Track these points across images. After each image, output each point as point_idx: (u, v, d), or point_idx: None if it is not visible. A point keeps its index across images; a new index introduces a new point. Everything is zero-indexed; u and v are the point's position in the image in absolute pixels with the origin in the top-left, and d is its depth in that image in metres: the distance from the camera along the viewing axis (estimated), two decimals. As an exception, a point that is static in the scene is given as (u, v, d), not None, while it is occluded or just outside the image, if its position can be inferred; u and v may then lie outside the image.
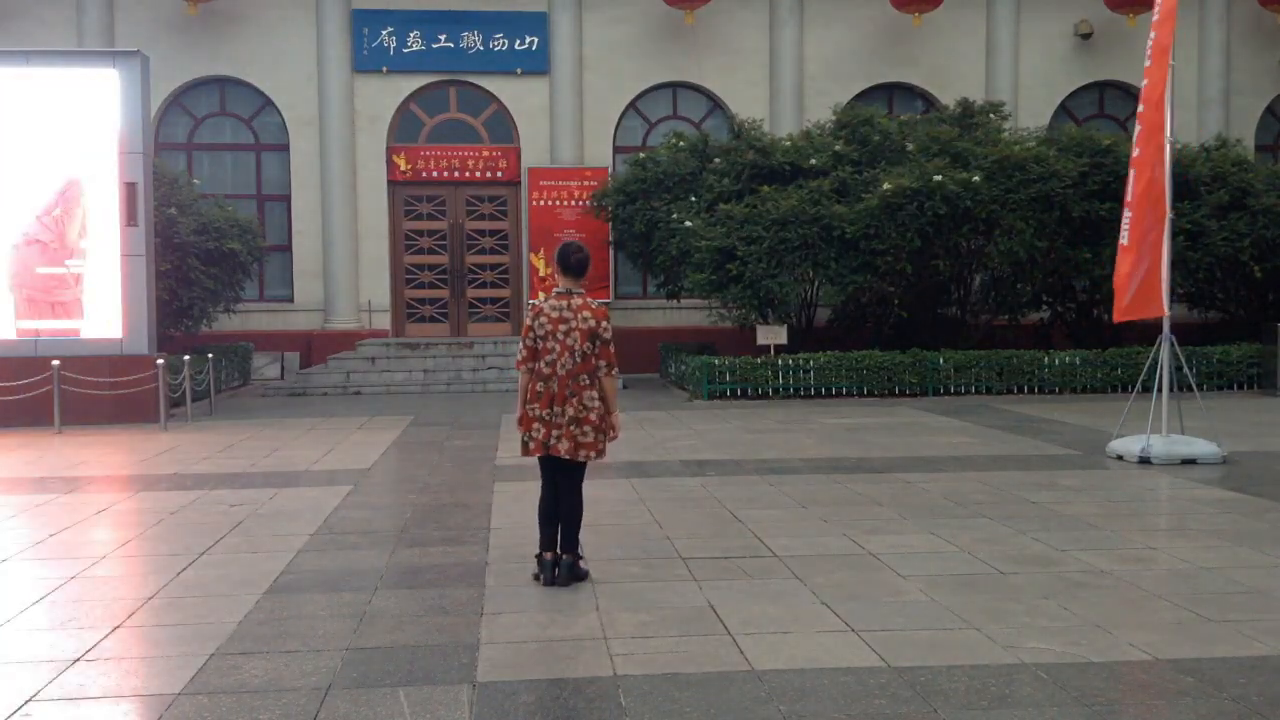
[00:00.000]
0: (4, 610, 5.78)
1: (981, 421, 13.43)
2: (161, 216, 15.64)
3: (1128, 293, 10.35)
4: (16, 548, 7.21)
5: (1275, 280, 17.50)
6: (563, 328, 6.02)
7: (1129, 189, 10.38)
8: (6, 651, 5.13)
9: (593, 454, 6.13)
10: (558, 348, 6.02)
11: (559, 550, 6.17)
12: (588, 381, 6.05)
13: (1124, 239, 10.37)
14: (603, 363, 6.09)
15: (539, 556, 6.22)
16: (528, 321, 6.12)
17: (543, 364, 6.05)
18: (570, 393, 6.01)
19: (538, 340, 6.06)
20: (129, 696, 4.58)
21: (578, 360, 6.02)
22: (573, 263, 6.13)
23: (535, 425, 6.07)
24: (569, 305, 6.06)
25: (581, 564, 6.27)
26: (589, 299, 6.15)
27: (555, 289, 6.18)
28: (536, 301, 6.16)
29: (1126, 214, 10.38)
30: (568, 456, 6.06)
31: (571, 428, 6.02)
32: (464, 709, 4.36)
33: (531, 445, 6.10)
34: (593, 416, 6.05)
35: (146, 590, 6.15)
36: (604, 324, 6.09)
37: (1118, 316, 10.68)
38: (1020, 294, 17.23)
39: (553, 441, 6.04)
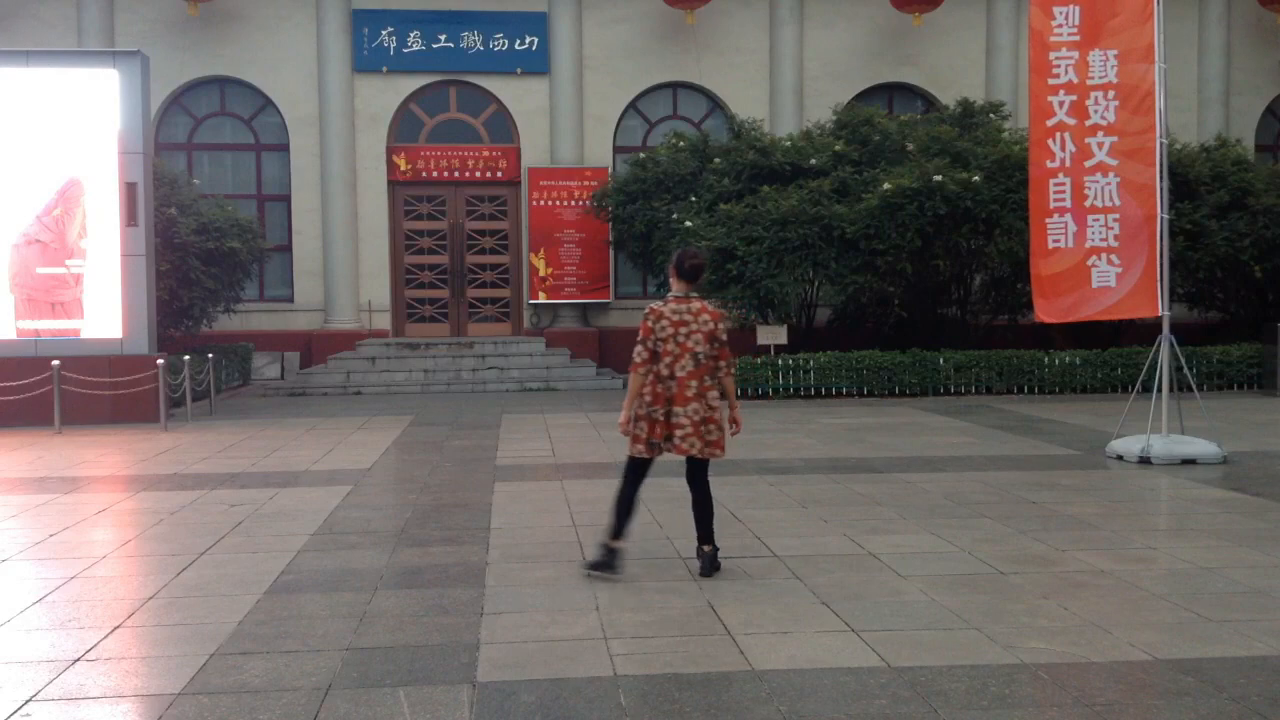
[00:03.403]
0: (4, 610, 5.78)
1: (982, 421, 13.43)
2: (161, 216, 15.64)
3: (1055, 294, 10.65)
4: (16, 548, 7.21)
5: (1275, 280, 17.49)
6: (683, 330, 6.18)
7: (1049, 197, 10.59)
8: (6, 651, 5.13)
9: (719, 451, 6.29)
10: (677, 350, 6.17)
11: (701, 543, 6.34)
12: (710, 382, 6.21)
13: (1056, 241, 10.58)
14: (722, 363, 6.26)
15: (606, 545, 6.30)
16: (648, 324, 6.21)
17: (661, 366, 6.18)
18: (694, 394, 6.16)
19: (658, 343, 6.19)
20: (129, 696, 4.58)
21: (700, 362, 6.17)
22: (687, 268, 6.28)
23: (640, 423, 6.21)
24: (689, 309, 6.21)
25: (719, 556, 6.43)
26: (705, 302, 6.30)
27: (672, 293, 6.32)
28: (655, 305, 6.27)
29: (1059, 219, 10.55)
30: (698, 455, 6.23)
31: (701, 428, 6.18)
32: (464, 709, 4.36)
33: (639, 445, 6.23)
34: (717, 416, 6.23)
35: (146, 590, 6.15)
36: (721, 326, 6.27)
37: (1040, 315, 10.97)
38: (1020, 294, 17.22)
39: (676, 441, 6.18)
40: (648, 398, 6.20)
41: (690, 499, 6.40)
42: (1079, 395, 16.27)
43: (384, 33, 19.88)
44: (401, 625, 5.43)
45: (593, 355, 19.84)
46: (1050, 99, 10.54)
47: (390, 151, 20.18)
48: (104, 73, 14.21)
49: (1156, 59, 10.25)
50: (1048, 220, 10.62)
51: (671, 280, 6.37)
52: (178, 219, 16.03)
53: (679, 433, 6.17)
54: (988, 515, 7.91)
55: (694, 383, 6.15)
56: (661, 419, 6.19)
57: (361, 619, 5.53)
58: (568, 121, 20.20)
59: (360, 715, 4.31)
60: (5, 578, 6.47)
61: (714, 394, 6.23)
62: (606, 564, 6.26)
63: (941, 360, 16.20)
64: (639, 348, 6.23)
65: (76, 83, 14.19)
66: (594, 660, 4.89)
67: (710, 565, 6.30)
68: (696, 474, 6.36)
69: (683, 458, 6.29)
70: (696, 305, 6.24)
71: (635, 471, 6.36)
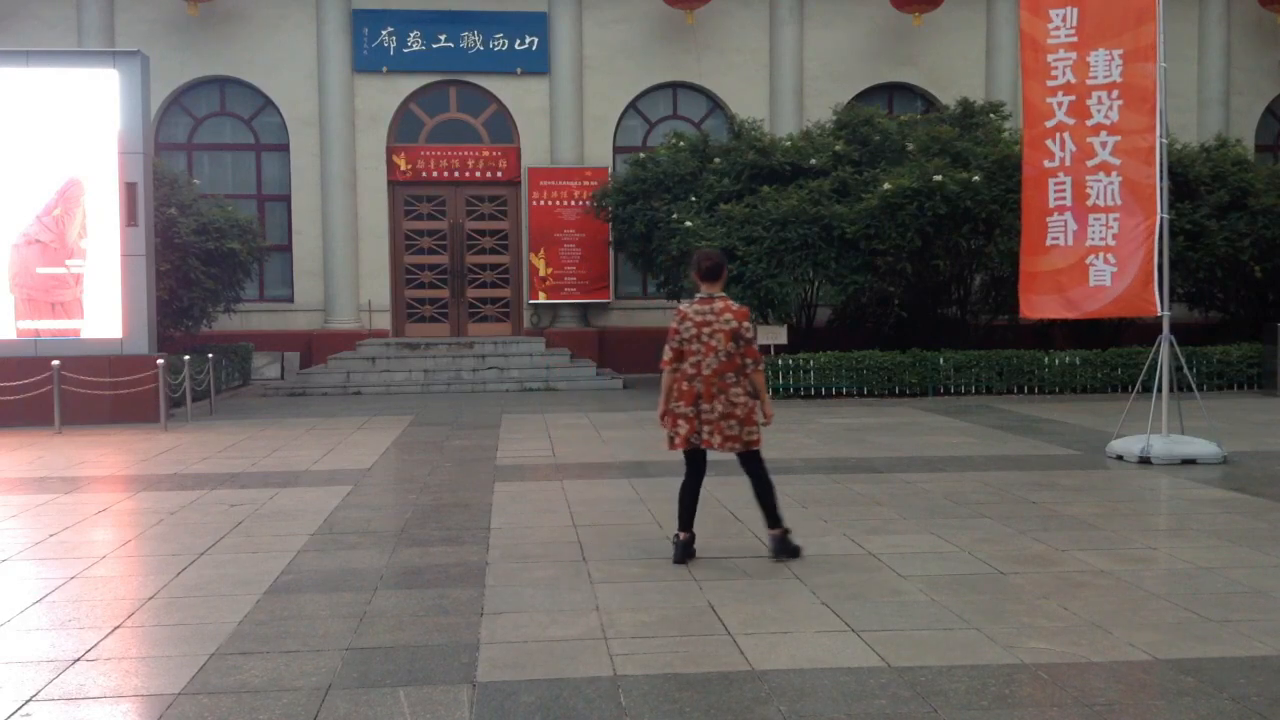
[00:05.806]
0: (4, 610, 5.78)
1: (982, 421, 13.43)
2: (161, 216, 15.64)
3: (1048, 291, 10.85)
4: (16, 548, 7.21)
5: (1275, 280, 17.48)
6: (706, 330, 6.41)
7: (1049, 196, 10.74)
8: (6, 651, 5.13)
9: (738, 445, 6.49)
10: (702, 349, 6.42)
11: (768, 527, 6.63)
12: (733, 379, 6.42)
13: (1055, 240, 10.74)
14: (749, 360, 6.44)
15: (675, 537, 6.69)
16: (673, 325, 6.53)
17: (688, 365, 6.47)
18: (717, 390, 6.40)
19: (683, 343, 6.49)
20: (129, 696, 4.58)
21: (722, 359, 6.39)
22: (704, 269, 6.54)
23: (679, 422, 6.52)
24: (711, 309, 6.45)
25: (790, 538, 6.66)
26: (730, 301, 6.49)
27: (698, 294, 6.57)
28: (681, 306, 6.57)
29: (1059, 217, 10.72)
30: (720, 449, 6.49)
31: (721, 423, 6.42)
32: (464, 709, 4.36)
33: (676, 440, 6.56)
34: (738, 411, 6.44)
35: (146, 590, 6.15)
36: (745, 324, 6.45)
37: (1026, 311, 11.22)
38: (1020, 294, 17.22)
39: (704, 435, 6.46)
40: (677, 395, 6.49)
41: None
42: (1079, 395, 16.27)
43: (384, 33, 19.89)
44: (401, 625, 5.43)
45: (593, 355, 19.84)
46: (1049, 100, 10.66)
47: (390, 151, 20.18)
48: (104, 73, 14.21)
49: (1157, 59, 10.27)
50: (1049, 219, 10.75)
51: (696, 281, 6.61)
52: (178, 219, 16.03)
53: (705, 428, 6.45)
54: (988, 515, 7.91)
55: (717, 380, 6.40)
56: (691, 415, 6.47)
57: (361, 619, 5.53)
58: (568, 121, 20.20)
59: (360, 715, 4.31)
60: (5, 578, 6.47)
61: (737, 390, 6.43)
62: (676, 556, 6.57)
63: (941, 360, 16.19)
64: (665, 346, 6.57)
65: (76, 83, 14.19)
66: (594, 660, 4.89)
67: (781, 548, 6.56)
68: (745, 464, 6.62)
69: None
70: (719, 305, 6.47)
71: (687, 466, 6.65)
